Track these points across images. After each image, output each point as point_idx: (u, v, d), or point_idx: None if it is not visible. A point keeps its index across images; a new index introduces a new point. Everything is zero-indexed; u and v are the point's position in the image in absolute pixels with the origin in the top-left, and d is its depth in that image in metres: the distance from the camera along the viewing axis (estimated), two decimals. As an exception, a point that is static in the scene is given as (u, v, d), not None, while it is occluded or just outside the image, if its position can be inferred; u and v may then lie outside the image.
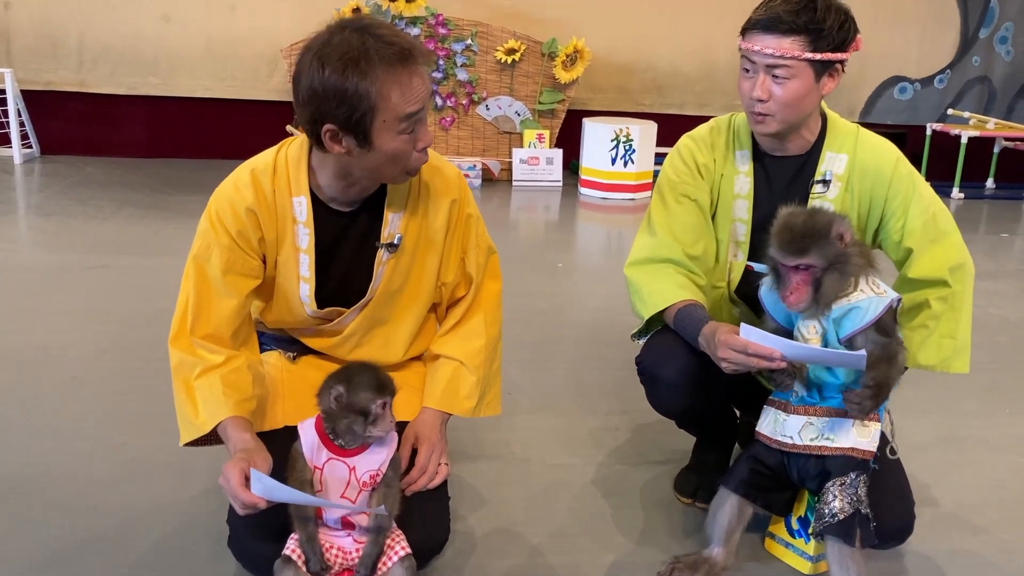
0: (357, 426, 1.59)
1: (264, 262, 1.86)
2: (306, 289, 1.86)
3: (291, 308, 1.90)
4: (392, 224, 1.87)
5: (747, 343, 1.75)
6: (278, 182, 1.81)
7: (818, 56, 1.90)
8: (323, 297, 1.89)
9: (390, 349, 1.98)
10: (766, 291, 1.89)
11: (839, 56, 1.93)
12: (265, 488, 1.55)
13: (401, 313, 1.97)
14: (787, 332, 1.85)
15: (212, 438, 1.79)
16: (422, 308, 1.99)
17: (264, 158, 1.83)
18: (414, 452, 1.85)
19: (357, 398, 1.59)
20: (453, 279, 1.98)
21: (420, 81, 1.67)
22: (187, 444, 1.80)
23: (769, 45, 1.90)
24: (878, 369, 1.78)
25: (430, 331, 2.09)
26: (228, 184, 1.82)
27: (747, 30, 1.96)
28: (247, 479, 1.57)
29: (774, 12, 1.90)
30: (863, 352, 1.71)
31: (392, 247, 1.87)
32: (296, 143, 1.83)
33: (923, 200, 2.04)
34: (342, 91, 1.60)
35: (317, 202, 1.83)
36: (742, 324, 1.77)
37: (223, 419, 1.73)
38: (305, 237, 1.82)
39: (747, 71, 1.97)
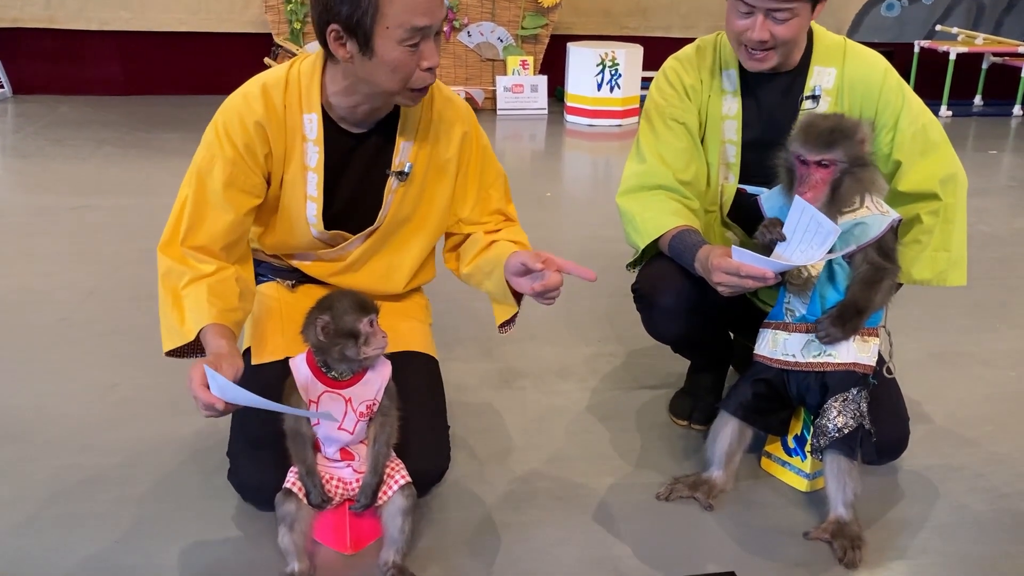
0: (350, 350, 1.58)
1: (268, 181, 1.83)
2: (313, 208, 1.84)
3: (295, 229, 1.88)
4: (403, 152, 1.85)
5: (739, 265, 1.74)
6: (289, 97, 1.78)
7: None
8: (329, 218, 1.87)
9: (392, 279, 1.97)
10: (768, 201, 1.87)
11: None
12: (219, 387, 1.51)
13: (406, 242, 1.95)
14: None
15: (196, 350, 1.77)
16: (428, 239, 1.97)
17: (276, 72, 1.80)
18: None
19: (344, 322, 1.58)
20: (471, 215, 1.95)
21: None
22: (169, 354, 1.78)
23: None
24: (848, 292, 1.78)
25: (432, 266, 2.07)
26: (237, 97, 1.78)
27: None
28: None
29: None
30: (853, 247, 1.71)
31: (402, 175, 1.85)
32: (310, 59, 1.80)
33: (912, 111, 2.01)
34: None
35: (328, 120, 1.80)
36: (733, 247, 1.76)
37: (204, 325, 1.70)
38: (315, 155, 1.80)
39: (744, 12, 1.90)
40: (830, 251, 1.70)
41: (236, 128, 1.75)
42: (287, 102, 1.78)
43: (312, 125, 1.78)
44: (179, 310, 1.74)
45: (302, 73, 1.79)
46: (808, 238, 1.69)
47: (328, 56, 1.72)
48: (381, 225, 1.89)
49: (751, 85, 2.06)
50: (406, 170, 1.85)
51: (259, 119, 1.75)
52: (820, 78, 2.01)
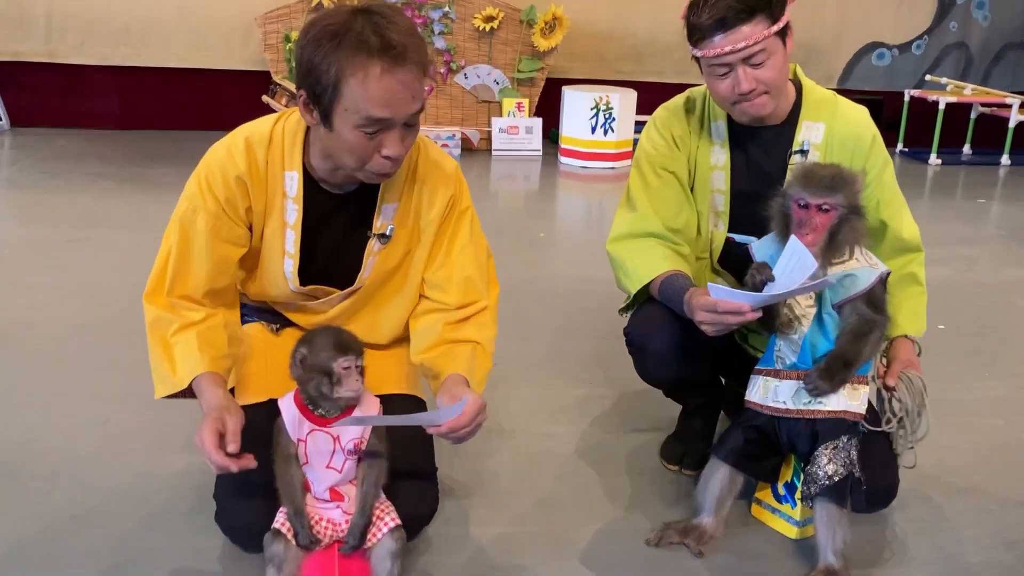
0: (324, 387, 1.59)
1: (251, 231, 1.83)
2: (290, 265, 1.84)
3: (274, 282, 1.88)
4: (385, 215, 1.84)
5: (716, 302, 1.76)
6: (272, 154, 1.78)
7: (780, 24, 1.89)
8: (307, 275, 1.87)
9: (374, 335, 1.95)
10: (760, 249, 1.89)
11: (788, 14, 1.92)
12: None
13: (387, 302, 1.95)
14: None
15: (187, 391, 1.78)
16: (410, 299, 1.95)
17: (261, 127, 1.80)
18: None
19: (319, 358, 1.59)
20: (434, 278, 1.89)
21: (397, 85, 1.58)
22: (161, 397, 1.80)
23: (739, 39, 1.86)
24: (836, 345, 1.81)
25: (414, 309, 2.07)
26: (221, 149, 1.78)
27: (701, 38, 1.90)
28: (221, 437, 1.56)
29: (724, 9, 1.85)
30: (828, 279, 1.74)
31: (384, 238, 1.85)
32: (295, 116, 1.80)
33: (891, 170, 2.08)
34: (311, 61, 1.59)
35: (309, 179, 1.80)
36: (709, 284, 1.78)
37: (198, 374, 1.71)
38: (293, 213, 1.80)
39: (722, 73, 1.92)
40: (812, 280, 1.71)
41: (218, 182, 1.76)
42: (269, 159, 1.78)
43: (292, 183, 1.78)
44: (169, 359, 1.75)
45: (286, 131, 1.79)
46: (789, 273, 1.72)
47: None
48: (363, 286, 1.89)
49: (739, 137, 2.08)
50: (388, 232, 1.84)
51: (240, 174, 1.76)
52: (809, 133, 2.04)
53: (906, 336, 2.09)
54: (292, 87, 5.69)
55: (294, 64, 1.66)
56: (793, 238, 1.72)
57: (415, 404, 1.95)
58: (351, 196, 1.83)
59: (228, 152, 1.77)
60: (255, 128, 1.80)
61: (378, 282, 1.90)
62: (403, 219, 1.86)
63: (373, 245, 1.85)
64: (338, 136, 1.64)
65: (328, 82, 1.58)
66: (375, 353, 1.95)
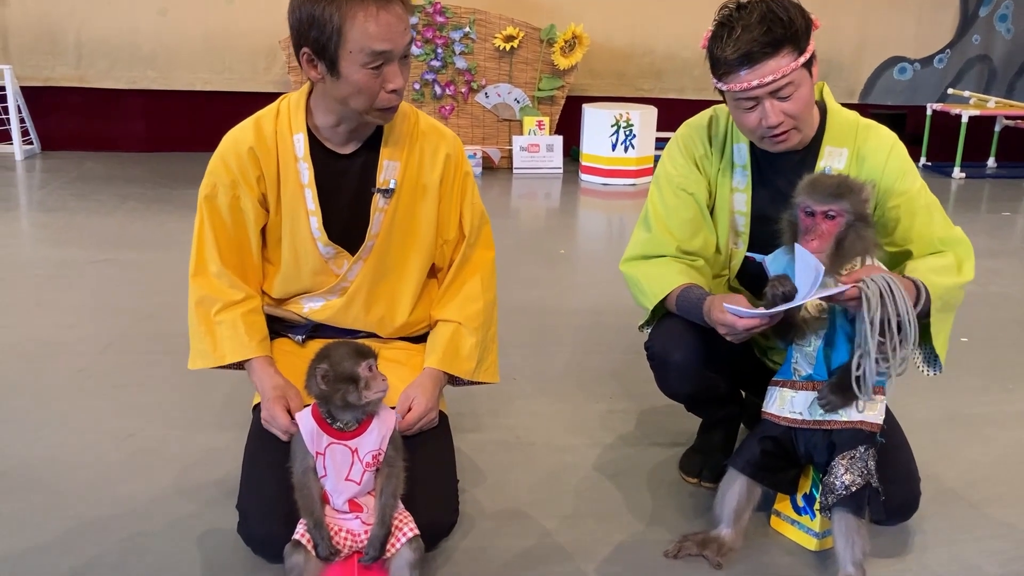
0: (352, 396, 1.63)
1: (267, 209, 1.95)
2: (315, 222, 1.94)
3: (303, 250, 1.95)
4: (387, 171, 1.95)
5: (735, 320, 1.79)
6: (280, 124, 1.94)
7: (807, 55, 1.87)
8: (330, 234, 1.95)
9: (396, 307, 2.03)
10: (773, 262, 1.89)
11: (813, 43, 1.90)
12: None
13: (402, 265, 2.02)
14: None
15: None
16: (424, 260, 2.03)
17: (270, 106, 1.98)
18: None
19: (343, 368, 1.63)
20: (455, 236, 2.05)
21: (392, 19, 1.74)
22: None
23: (765, 73, 1.83)
24: (850, 357, 1.79)
25: (433, 294, 2.12)
26: (235, 129, 1.97)
27: (727, 72, 1.87)
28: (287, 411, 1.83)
29: (749, 43, 1.82)
30: (841, 287, 1.71)
31: (387, 192, 1.94)
32: (298, 91, 1.96)
33: (915, 187, 1.98)
34: (312, 15, 1.74)
35: (315, 141, 1.93)
36: (724, 304, 1.80)
37: (250, 358, 1.93)
38: (305, 172, 1.92)
39: (749, 107, 1.90)
40: (819, 292, 1.71)
41: (231, 156, 1.93)
42: (278, 128, 1.93)
43: (299, 144, 1.92)
44: (211, 336, 1.95)
45: (291, 101, 1.95)
46: (804, 280, 1.74)
47: (305, 72, 1.85)
48: (375, 244, 1.96)
49: (761, 161, 2.07)
50: (391, 187, 1.94)
51: (251, 145, 1.92)
52: (831, 159, 2.01)
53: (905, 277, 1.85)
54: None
55: (291, 29, 1.79)
56: (798, 246, 1.75)
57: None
58: (356, 155, 1.95)
59: (241, 130, 1.95)
60: (264, 109, 1.97)
61: (388, 243, 1.98)
62: (406, 174, 1.96)
63: (378, 201, 1.94)
64: (346, 81, 1.77)
65: (332, 29, 1.73)
66: (400, 361, 2.02)
